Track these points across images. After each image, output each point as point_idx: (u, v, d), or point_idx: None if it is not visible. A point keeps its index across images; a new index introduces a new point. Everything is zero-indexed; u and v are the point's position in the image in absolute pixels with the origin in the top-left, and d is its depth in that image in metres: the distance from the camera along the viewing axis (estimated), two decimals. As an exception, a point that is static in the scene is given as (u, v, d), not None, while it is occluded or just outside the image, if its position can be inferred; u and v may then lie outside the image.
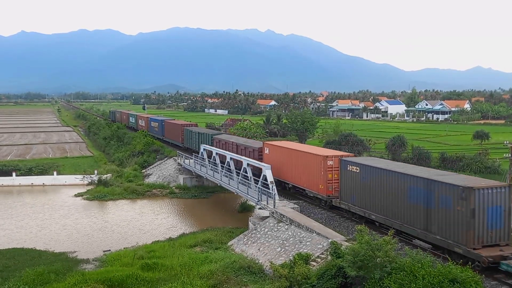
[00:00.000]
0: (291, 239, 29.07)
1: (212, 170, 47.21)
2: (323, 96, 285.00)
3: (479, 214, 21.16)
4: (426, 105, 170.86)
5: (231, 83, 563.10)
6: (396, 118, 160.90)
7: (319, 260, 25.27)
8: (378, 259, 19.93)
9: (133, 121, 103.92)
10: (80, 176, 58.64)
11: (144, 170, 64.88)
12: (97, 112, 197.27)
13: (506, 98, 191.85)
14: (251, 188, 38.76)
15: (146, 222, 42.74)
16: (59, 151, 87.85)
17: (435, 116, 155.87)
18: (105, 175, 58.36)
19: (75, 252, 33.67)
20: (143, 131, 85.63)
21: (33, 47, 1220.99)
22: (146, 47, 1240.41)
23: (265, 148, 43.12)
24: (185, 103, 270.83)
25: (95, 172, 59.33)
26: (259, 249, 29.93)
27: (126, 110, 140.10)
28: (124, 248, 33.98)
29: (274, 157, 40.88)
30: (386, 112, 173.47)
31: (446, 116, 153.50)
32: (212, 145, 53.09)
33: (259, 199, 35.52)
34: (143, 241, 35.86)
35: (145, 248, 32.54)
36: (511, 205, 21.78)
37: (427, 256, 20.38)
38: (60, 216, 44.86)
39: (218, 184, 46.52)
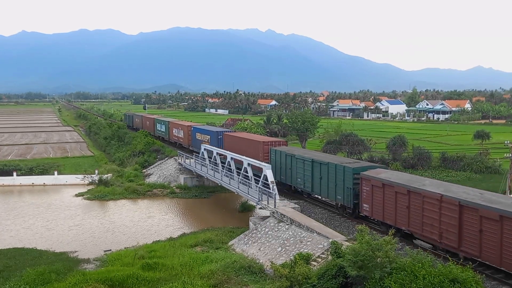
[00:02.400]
0: (292, 239, 29.08)
1: (212, 170, 47.22)
2: (323, 96, 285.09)
3: None
4: (427, 105, 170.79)
5: (231, 82, 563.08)
6: (397, 118, 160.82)
7: (319, 260, 25.29)
8: (379, 259, 19.94)
9: (163, 130, 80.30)
10: (80, 176, 58.70)
11: (144, 170, 64.92)
12: (98, 112, 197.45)
13: (507, 98, 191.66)
14: (251, 188, 38.77)
15: (146, 221, 42.73)
16: (59, 151, 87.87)
17: (435, 116, 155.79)
18: (106, 175, 58.41)
19: (76, 252, 33.69)
20: (146, 131, 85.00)
21: (33, 47, 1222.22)
22: (146, 47, 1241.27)
23: None
24: (186, 103, 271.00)
25: (96, 172, 59.36)
26: (259, 249, 29.94)
27: (150, 114, 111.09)
28: (125, 248, 33.99)
29: None
30: (387, 112, 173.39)
31: (446, 116, 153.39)
32: (356, 186, 30.40)
33: (260, 199, 35.53)
34: (143, 241, 35.85)
35: (145, 248, 32.54)
36: None
37: (428, 256, 20.39)
38: (60, 216, 44.84)
39: (219, 184, 46.52)
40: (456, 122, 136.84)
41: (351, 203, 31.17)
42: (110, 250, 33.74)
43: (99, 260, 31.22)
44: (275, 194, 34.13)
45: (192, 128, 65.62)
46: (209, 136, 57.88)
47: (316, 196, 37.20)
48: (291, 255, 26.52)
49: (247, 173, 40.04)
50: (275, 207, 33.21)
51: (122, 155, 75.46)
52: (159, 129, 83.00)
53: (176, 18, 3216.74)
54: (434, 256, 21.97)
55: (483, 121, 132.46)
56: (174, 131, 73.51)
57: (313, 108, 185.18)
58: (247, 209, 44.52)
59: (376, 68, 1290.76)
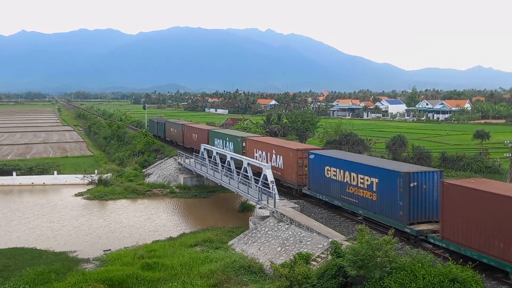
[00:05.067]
0: (292, 238, 29.07)
1: (212, 169, 47.19)
2: (323, 95, 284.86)
3: None
4: (427, 104, 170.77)
5: (231, 82, 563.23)
6: (397, 118, 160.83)
7: (319, 259, 25.28)
8: (378, 258, 19.94)
9: (230, 148, 50.74)
10: (80, 176, 58.70)
11: (144, 170, 64.89)
12: (98, 112, 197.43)
13: (506, 97, 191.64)
14: (251, 187, 38.74)
15: (146, 221, 42.72)
16: (59, 150, 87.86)
17: (435, 116, 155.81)
18: (106, 175, 58.41)
19: (75, 251, 33.69)
20: (145, 131, 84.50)
21: (33, 47, 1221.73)
22: (146, 46, 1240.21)
23: None
24: (186, 103, 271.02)
25: (96, 171, 59.36)
26: (259, 249, 29.94)
27: (197, 124, 78.10)
28: (125, 247, 34.01)
29: None
30: (387, 111, 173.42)
31: (446, 115, 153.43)
32: None
33: (260, 198, 35.51)
34: (143, 240, 35.87)
35: (145, 247, 32.56)
36: None
37: (427, 256, 20.38)
38: (63, 217, 44.82)
39: (219, 184, 46.49)
40: (456, 121, 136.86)
41: None
42: (110, 249, 33.74)
43: (98, 259, 31.23)
44: (274, 193, 34.10)
45: (312, 156, 34.40)
46: (375, 179, 27.88)
47: None
48: (290, 254, 26.51)
49: (247, 172, 40.01)
50: (274, 206, 33.19)
51: (121, 154, 75.44)
52: (221, 148, 52.61)
53: (175, 18, 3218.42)
54: (434, 256, 21.96)
55: (483, 121, 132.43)
56: (257, 153, 44.08)
57: (313, 107, 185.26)
58: (246, 208, 44.51)
59: (376, 68, 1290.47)
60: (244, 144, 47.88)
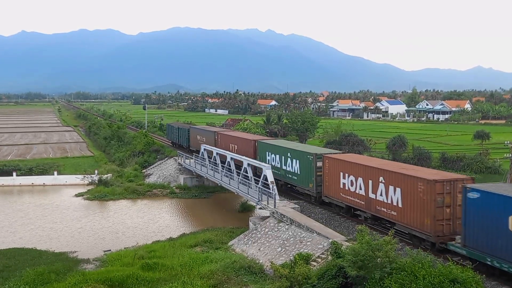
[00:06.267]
0: (292, 239, 29.07)
1: (212, 170, 47.19)
2: (323, 96, 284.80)
3: None
4: (427, 105, 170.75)
5: (231, 82, 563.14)
6: (397, 118, 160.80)
7: (319, 260, 25.28)
8: (379, 259, 19.94)
9: (291, 170, 38.51)
10: (80, 176, 58.74)
11: (144, 170, 64.91)
12: (98, 112, 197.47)
13: (506, 98, 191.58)
14: (251, 188, 38.74)
15: (146, 222, 42.71)
16: (59, 151, 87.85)
17: (435, 116, 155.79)
18: (106, 175, 58.42)
19: (75, 252, 33.69)
20: (145, 132, 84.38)
21: (33, 47, 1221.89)
22: (146, 47, 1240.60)
23: None
24: (186, 103, 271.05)
25: (96, 172, 59.37)
26: (259, 249, 29.93)
27: (233, 132, 63.36)
28: (125, 248, 34.00)
29: None
30: (387, 112, 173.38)
31: (446, 116, 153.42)
32: None
33: (260, 199, 35.51)
34: (143, 241, 35.86)
35: (145, 248, 32.57)
36: None
37: (428, 256, 20.37)
38: (62, 216, 44.82)
39: (219, 184, 46.49)
40: (456, 122, 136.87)
41: None
42: (110, 250, 33.75)
43: (98, 260, 31.24)
44: (275, 194, 34.11)
45: (477, 195, 20.73)
46: None
47: None
48: (291, 255, 26.51)
49: (247, 173, 39.99)
50: (275, 207, 33.20)
51: (122, 155, 75.45)
52: (272, 164, 40.80)
53: (175, 18, 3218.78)
54: (434, 256, 21.95)
55: (483, 121, 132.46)
56: (349, 184, 31.06)
57: (313, 108, 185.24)
58: (247, 209, 44.52)
59: (376, 68, 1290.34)
60: (320, 164, 34.36)
